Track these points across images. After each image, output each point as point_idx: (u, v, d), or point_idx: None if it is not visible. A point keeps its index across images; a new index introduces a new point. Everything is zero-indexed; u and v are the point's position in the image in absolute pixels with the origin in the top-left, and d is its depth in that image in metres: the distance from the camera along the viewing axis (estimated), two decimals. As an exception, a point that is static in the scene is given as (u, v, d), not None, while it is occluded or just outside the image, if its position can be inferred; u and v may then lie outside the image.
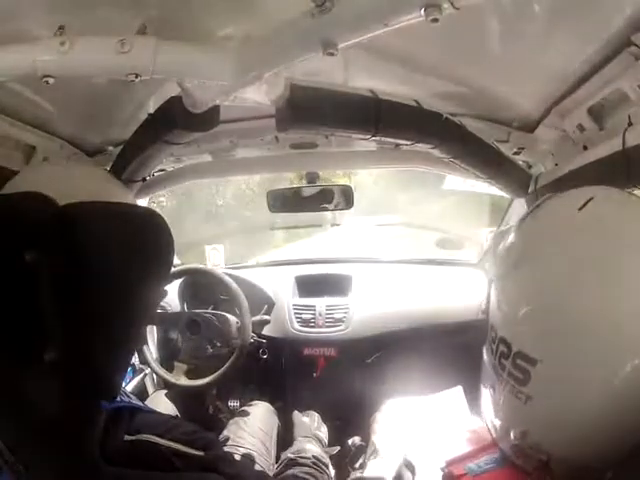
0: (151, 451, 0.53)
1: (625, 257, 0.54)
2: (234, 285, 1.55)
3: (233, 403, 1.71)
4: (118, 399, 0.55)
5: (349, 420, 1.49)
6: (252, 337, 1.55)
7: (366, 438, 1.21)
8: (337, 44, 0.55)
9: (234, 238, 2.60)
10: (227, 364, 1.48)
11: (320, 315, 1.65)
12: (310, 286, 1.75)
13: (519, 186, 1.18)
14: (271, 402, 1.49)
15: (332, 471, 1.10)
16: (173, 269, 1.57)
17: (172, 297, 1.69)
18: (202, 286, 1.69)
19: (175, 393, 1.59)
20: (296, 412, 1.37)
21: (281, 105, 0.79)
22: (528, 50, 0.79)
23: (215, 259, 1.83)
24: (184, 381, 1.54)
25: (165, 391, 1.61)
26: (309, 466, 1.04)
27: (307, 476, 0.99)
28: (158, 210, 0.54)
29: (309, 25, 0.56)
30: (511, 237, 0.66)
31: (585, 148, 0.92)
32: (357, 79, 0.93)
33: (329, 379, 1.62)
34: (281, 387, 1.68)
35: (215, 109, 0.84)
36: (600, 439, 0.53)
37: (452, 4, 0.45)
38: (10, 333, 0.43)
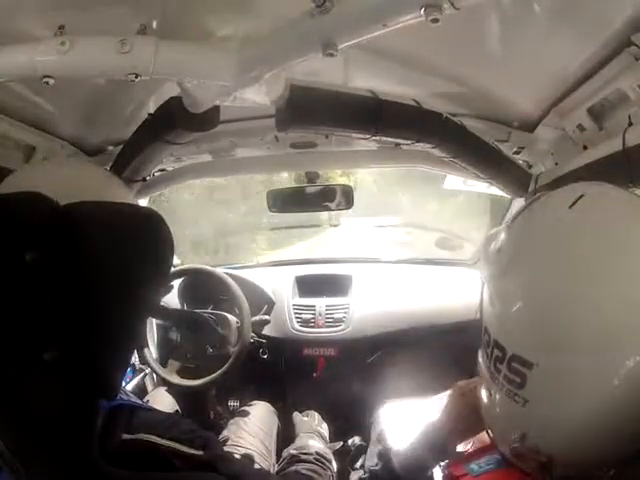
0: (151, 451, 0.53)
1: (618, 255, 0.52)
2: (234, 285, 1.55)
3: (233, 403, 1.71)
4: (117, 398, 0.55)
5: (349, 420, 1.49)
6: (252, 337, 1.55)
7: (366, 438, 1.21)
8: (337, 44, 0.55)
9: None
10: (227, 364, 1.48)
11: (320, 315, 1.65)
12: (310, 286, 1.75)
13: (519, 186, 1.17)
14: (271, 402, 1.49)
15: (335, 467, 1.10)
16: (173, 269, 1.57)
17: (172, 297, 1.68)
18: (202, 286, 1.68)
19: (175, 392, 1.59)
20: (296, 413, 1.36)
21: (281, 105, 0.79)
22: (528, 50, 0.79)
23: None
24: (184, 381, 1.54)
25: (165, 387, 1.61)
26: (312, 462, 1.02)
27: (310, 472, 0.98)
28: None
29: (309, 25, 0.56)
30: (502, 237, 0.64)
31: (585, 148, 0.92)
32: (357, 79, 0.93)
33: (329, 379, 1.61)
34: (281, 387, 1.67)
35: (215, 109, 0.85)
36: (599, 440, 0.52)
37: (452, 4, 0.45)
38: (10, 333, 0.43)
